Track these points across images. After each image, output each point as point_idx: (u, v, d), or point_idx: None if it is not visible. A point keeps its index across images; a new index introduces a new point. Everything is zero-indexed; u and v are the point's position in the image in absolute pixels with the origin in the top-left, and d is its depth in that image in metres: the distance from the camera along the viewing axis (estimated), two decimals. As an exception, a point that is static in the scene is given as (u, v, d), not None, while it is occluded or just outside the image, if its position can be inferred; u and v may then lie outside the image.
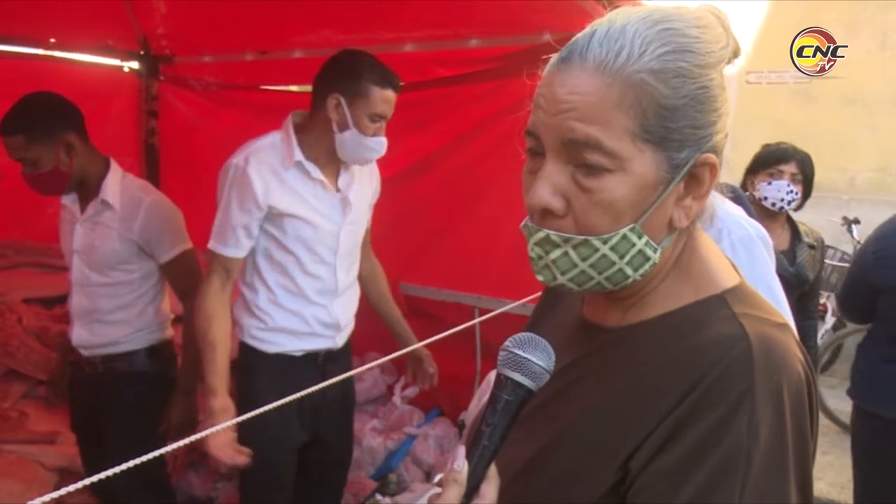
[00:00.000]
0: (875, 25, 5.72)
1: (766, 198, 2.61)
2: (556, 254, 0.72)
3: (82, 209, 2.18)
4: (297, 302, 2.05)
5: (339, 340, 2.16)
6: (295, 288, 2.04)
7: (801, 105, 6.01)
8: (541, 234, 0.72)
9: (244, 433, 1.86)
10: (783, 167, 2.64)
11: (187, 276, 2.24)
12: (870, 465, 2.41)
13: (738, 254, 1.58)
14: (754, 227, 1.67)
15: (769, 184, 2.62)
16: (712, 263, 0.78)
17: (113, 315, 2.20)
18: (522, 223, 0.75)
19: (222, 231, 1.97)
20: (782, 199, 2.60)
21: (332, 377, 2.02)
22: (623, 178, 0.68)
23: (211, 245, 1.99)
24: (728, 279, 0.77)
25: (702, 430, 0.65)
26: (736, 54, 0.75)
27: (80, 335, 2.22)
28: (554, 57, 0.73)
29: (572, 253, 0.71)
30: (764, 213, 2.60)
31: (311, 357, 2.10)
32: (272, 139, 2.00)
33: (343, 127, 1.94)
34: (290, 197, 1.97)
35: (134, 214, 2.15)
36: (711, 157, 0.71)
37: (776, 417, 0.66)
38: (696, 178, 0.72)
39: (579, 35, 0.72)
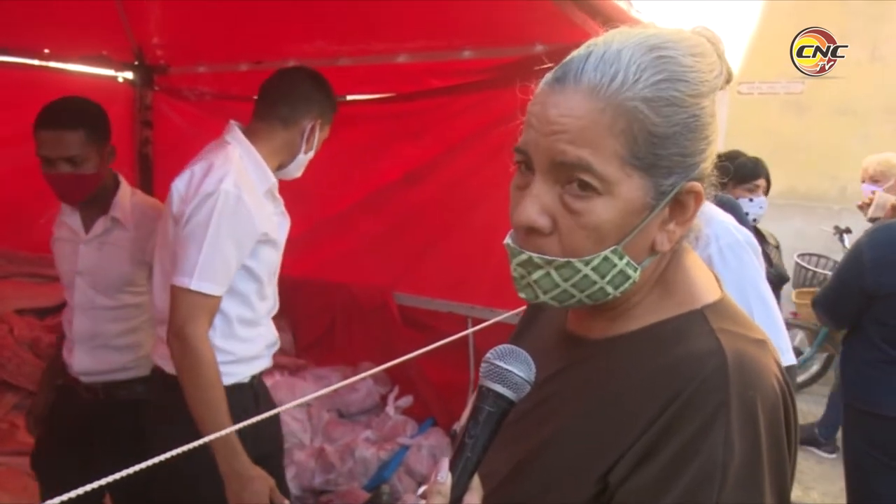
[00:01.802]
0: (866, 36, 5.77)
1: (747, 213, 2.69)
2: (538, 274, 0.73)
3: (86, 227, 2.06)
4: (250, 328, 1.89)
5: (271, 359, 2.03)
6: (252, 315, 1.88)
7: (793, 115, 6.05)
8: (523, 256, 0.73)
9: (217, 476, 1.70)
10: (759, 182, 2.76)
11: None
12: (865, 464, 2.43)
13: (726, 259, 1.59)
14: (742, 234, 1.69)
15: (751, 200, 2.74)
16: (695, 278, 0.79)
17: (119, 340, 2.09)
18: (505, 241, 0.76)
19: (211, 268, 1.68)
20: (758, 212, 2.76)
21: (263, 399, 1.97)
22: (610, 202, 0.69)
23: (195, 285, 1.67)
24: (709, 294, 0.78)
25: (678, 445, 0.66)
26: (728, 80, 0.76)
27: (82, 361, 2.09)
28: (548, 75, 0.74)
29: (554, 274, 0.72)
30: None
31: (253, 380, 1.93)
32: (235, 155, 1.80)
33: (308, 149, 1.94)
34: (269, 221, 1.84)
35: (149, 235, 2.02)
36: (697, 185, 0.73)
37: (751, 432, 0.66)
38: (681, 204, 0.73)
39: (575, 54, 0.72)
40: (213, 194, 1.69)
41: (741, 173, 2.81)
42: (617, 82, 0.68)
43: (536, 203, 0.71)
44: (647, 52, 0.69)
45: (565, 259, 0.71)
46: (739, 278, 1.59)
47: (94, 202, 2.04)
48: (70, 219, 2.08)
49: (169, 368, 1.78)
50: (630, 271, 0.72)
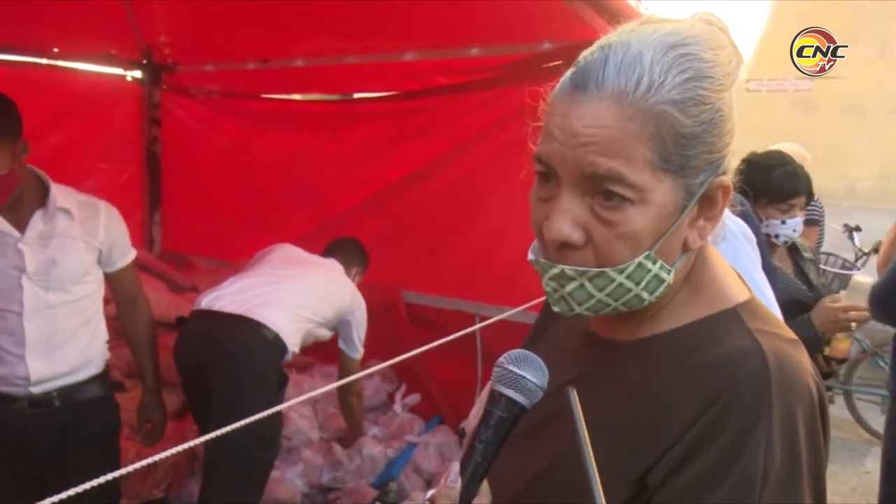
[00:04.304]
0: (875, 34, 5.74)
1: (777, 236, 2.36)
2: (571, 286, 0.71)
3: (19, 227, 1.92)
4: None
5: None
6: None
7: (802, 113, 6.02)
8: (555, 270, 0.71)
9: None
10: (794, 201, 2.35)
11: (136, 280, 2.20)
12: None
13: (719, 249, 1.59)
14: (736, 224, 1.68)
15: (783, 223, 2.35)
16: (723, 277, 0.78)
17: (76, 336, 2.02)
18: (532, 257, 0.74)
19: None
20: (790, 235, 2.39)
21: None
22: (644, 209, 0.67)
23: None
24: (739, 294, 0.77)
25: (721, 447, 0.65)
26: (739, 65, 0.74)
27: (37, 369, 1.95)
28: (564, 82, 0.70)
29: (588, 285, 0.70)
30: (766, 242, 2.34)
31: None
32: None
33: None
34: None
35: (95, 219, 2.02)
36: (725, 179, 0.71)
37: (791, 433, 0.66)
38: (710, 200, 0.72)
39: (590, 58, 0.69)
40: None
41: (774, 190, 2.34)
42: (643, 87, 0.65)
43: (568, 217, 0.68)
44: (669, 51, 0.67)
45: (599, 269, 0.69)
46: (734, 268, 1.58)
47: (18, 201, 1.92)
48: None
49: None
50: (664, 274, 0.71)
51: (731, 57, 0.71)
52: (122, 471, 0.92)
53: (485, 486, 0.72)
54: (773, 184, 2.32)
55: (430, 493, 0.72)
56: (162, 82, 3.49)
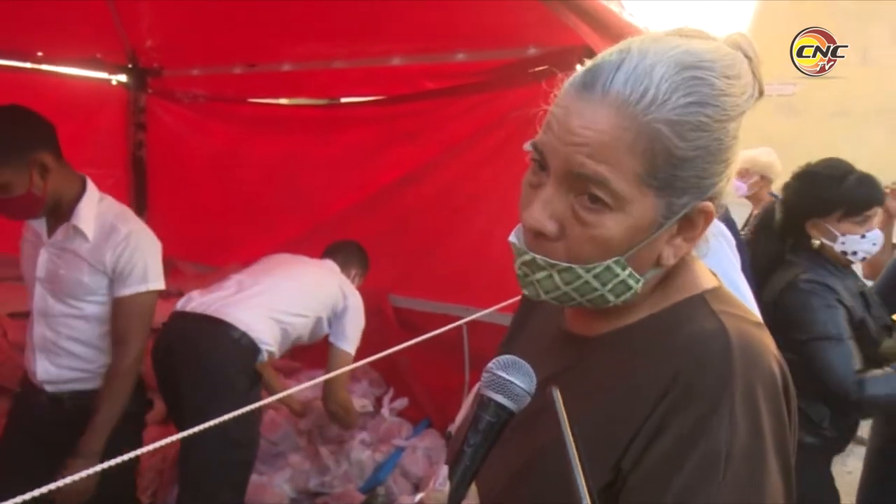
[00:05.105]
0: (857, 38, 5.81)
1: (855, 252, 2.08)
2: (540, 275, 0.74)
3: (50, 232, 1.98)
4: None
5: None
6: None
7: (785, 117, 6.08)
8: (527, 257, 0.74)
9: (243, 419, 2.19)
10: (871, 212, 2.07)
11: (137, 318, 2.00)
12: (887, 448, 2.42)
13: (699, 249, 1.61)
14: (715, 226, 1.69)
15: (863, 237, 2.06)
16: (693, 269, 0.81)
17: (81, 349, 2.02)
18: (512, 239, 0.77)
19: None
20: (870, 249, 2.10)
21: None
22: (621, 218, 0.69)
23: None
24: (707, 281, 0.80)
25: (685, 425, 0.67)
26: (760, 95, 0.75)
27: (46, 370, 2.02)
28: (576, 76, 0.72)
29: (556, 276, 0.73)
30: (836, 259, 2.11)
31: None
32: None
33: (356, 286, 2.88)
34: None
35: (107, 244, 1.96)
36: (709, 205, 0.73)
37: (753, 412, 0.67)
38: (690, 222, 0.74)
39: (606, 59, 0.70)
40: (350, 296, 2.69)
41: (849, 201, 2.05)
42: (646, 101, 0.66)
43: (547, 208, 0.71)
44: (681, 71, 0.68)
45: (567, 264, 0.71)
46: (713, 269, 1.59)
47: (60, 208, 1.95)
48: (37, 221, 2.00)
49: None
50: (632, 282, 0.73)
51: (747, 89, 0.72)
52: (90, 470, 0.94)
53: (473, 488, 0.73)
54: (846, 194, 2.05)
55: (419, 496, 0.74)
56: (148, 86, 3.47)
